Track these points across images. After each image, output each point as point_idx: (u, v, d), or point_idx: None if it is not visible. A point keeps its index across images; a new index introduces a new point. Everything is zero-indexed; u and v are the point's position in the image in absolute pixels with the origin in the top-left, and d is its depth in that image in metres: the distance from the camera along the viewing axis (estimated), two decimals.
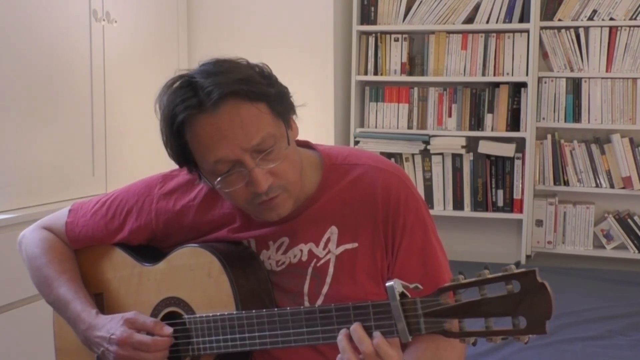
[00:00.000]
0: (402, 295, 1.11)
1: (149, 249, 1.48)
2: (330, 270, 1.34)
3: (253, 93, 1.23)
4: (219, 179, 1.26)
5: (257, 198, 1.26)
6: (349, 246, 1.34)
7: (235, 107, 1.22)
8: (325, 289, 1.33)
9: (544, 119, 3.76)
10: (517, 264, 1.02)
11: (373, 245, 1.33)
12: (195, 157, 1.28)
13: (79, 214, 1.52)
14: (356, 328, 1.15)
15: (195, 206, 1.42)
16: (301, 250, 1.36)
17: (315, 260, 1.35)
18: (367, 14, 3.87)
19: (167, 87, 1.27)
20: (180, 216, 1.43)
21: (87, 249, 1.53)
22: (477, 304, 1.03)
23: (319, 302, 1.33)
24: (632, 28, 3.62)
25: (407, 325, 1.10)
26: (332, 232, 1.35)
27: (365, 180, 1.35)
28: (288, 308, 1.24)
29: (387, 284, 1.11)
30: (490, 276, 1.02)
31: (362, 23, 3.87)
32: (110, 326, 1.36)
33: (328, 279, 1.33)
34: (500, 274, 1.02)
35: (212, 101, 1.20)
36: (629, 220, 3.70)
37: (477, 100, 3.80)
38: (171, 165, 1.43)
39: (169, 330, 1.33)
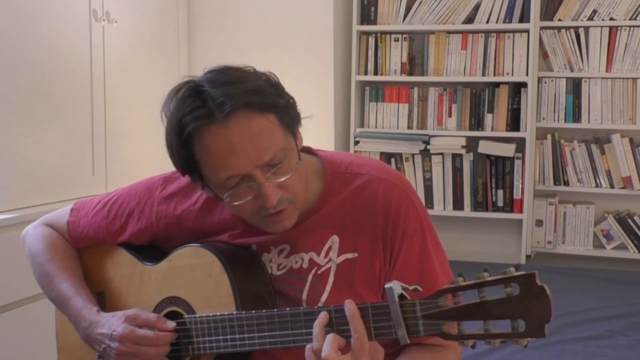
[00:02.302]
0: (401, 297, 1.11)
1: (152, 248, 1.49)
2: (331, 278, 1.33)
3: (264, 104, 1.21)
4: (227, 192, 1.26)
5: (264, 211, 1.26)
6: (349, 256, 1.34)
7: (246, 119, 1.20)
8: (324, 297, 1.33)
9: (544, 119, 3.76)
10: (517, 267, 1.02)
11: (372, 255, 1.33)
12: (202, 170, 1.26)
13: (81, 214, 1.53)
14: (320, 333, 1.15)
15: (196, 211, 1.41)
16: (302, 258, 1.36)
17: (316, 268, 1.35)
18: (367, 14, 3.87)
19: (173, 95, 1.25)
20: (181, 220, 1.43)
21: (90, 247, 1.53)
22: (476, 307, 1.02)
23: None
24: (632, 28, 3.62)
25: (406, 327, 1.10)
26: (333, 241, 1.35)
27: (367, 190, 1.34)
28: (287, 309, 1.24)
29: (386, 286, 1.11)
30: (489, 279, 1.02)
31: (362, 23, 3.87)
32: (111, 323, 1.36)
33: (328, 287, 1.33)
34: (499, 277, 1.01)
35: (225, 113, 1.18)
36: (629, 220, 3.70)
37: (477, 100, 3.80)
38: (171, 165, 1.43)
39: (171, 325, 1.34)
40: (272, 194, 1.23)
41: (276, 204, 1.24)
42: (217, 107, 1.19)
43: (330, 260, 1.34)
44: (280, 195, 1.24)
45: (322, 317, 1.18)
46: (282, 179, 1.24)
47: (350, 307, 1.15)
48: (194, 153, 1.24)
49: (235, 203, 1.26)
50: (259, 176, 1.22)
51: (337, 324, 1.17)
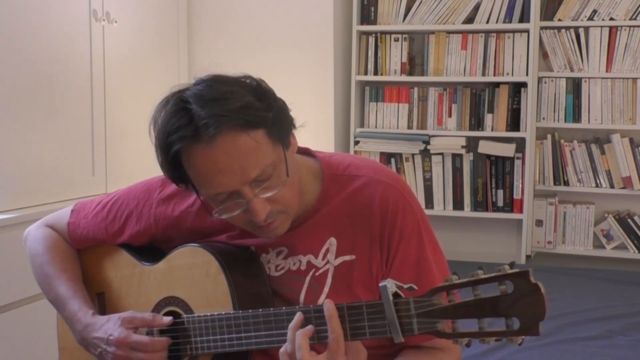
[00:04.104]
0: (396, 295, 1.11)
1: (151, 248, 1.49)
2: (329, 280, 1.34)
3: (250, 123, 1.20)
4: (217, 208, 1.26)
5: (255, 222, 1.26)
6: (347, 258, 1.34)
7: (232, 140, 1.19)
8: (321, 299, 1.32)
9: (544, 119, 3.76)
10: (512, 265, 1.02)
11: (370, 257, 1.33)
12: (193, 183, 1.27)
13: (81, 215, 1.53)
14: (294, 331, 1.17)
15: (194, 212, 1.42)
16: (300, 261, 1.36)
17: (314, 270, 1.35)
18: (367, 14, 3.87)
19: (161, 108, 1.25)
20: (179, 221, 1.43)
21: (90, 248, 1.54)
22: (471, 305, 1.02)
23: None
24: (632, 28, 3.62)
25: (400, 325, 1.10)
26: (331, 243, 1.35)
27: (364, 192, 1.34)
28: (284, 308, 1.24)
29: (380, 284, 1.11)
30: (483, 277, 1.02)
31: (362, 23, 3.87)
32: (107, 327, 1.36)
33: (326, 289, 1.33)
34: (493, 275, 1.01)
35: (210, 135, 1.17)
36: (629, 220, 3.70)
37: (477, 100, 3.80)
38: None
39: (167, 319, 1.34)
40: (260, 210, 1.23)
41: (265, 217, 1.24)
42: (202, 127, 1.18)
43: (328, 262, 1.34)
44: (270, 209, 1.24)
45: (297, 319, 1.19)
46: (271, 194, 1.23)
47: (328, 307, 1.16)
48: (183, 171, 1.25)
49: (225, 216, 1.26)
50: (247, 192, 1.22)
51: (317, 324, 1.17)
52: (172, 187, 1.44)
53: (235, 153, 1.19)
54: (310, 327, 1.17)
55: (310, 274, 1.34)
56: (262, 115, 1.21)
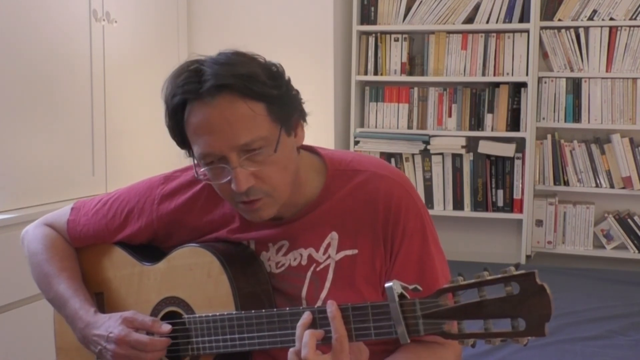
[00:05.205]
0: (401, 296, 1.11)
1: (150, 248, 1.49)
2: (330, 275, 1.34)
3: (251, 92, 1.22)
4: (204, 169, 1.28)
5: (237, 197, 1.26)
6: (349, 252, 1.34)
7: (229, 103, 1.22)
8: (323, 294, 1.33)
9: (544, 119, 3.76)
10: (517, 266, 1.02)
11: (373, 252, 1.33)
12: (188, 141, 1.29)
13: (81, 213, 1.53)
14: (305, 332, 1.17)
15: (196, 208, 1.42)
16: (301, 255, 1.36)
17: (315, 264, 1.35)
18: (367, 14, 3.87)
19: (179, 69, 1.28)
20: (181, 218, 1.43)
21: (89, 247, 1.54)
22: (476, 306, 1.02)
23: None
24: (632, 28, 3.62)
25: (406, 326, 1.09)
26: (333, 237, 1.35)
27: (367, 187, 1.35)
28: (287, 309, 1.24)
29: (386, 285, 1.11)
30: (489, 278, 1.02)
31: (362, 23, 3.87)
32: (108, 325, 1.36)
33: (327, 284, 1.33)
34: (499, 276, 1.01)
35: (205, 89, 1.21)
36: (629, 220, 3.70)
37: (477, 100, 3.80)
38: (171, 165, 1.44)
39: (167, 327, 1.34)
40: (242, 180, 1.23)
41: (246, 191, 1.24)
42: (203, 82, 1.22)
43: (329, 257, 1.34)
44: (253, 184, 1.24)
45: (305, 318, 1.19)
46: (256, 168, 1.24)
47: (331, 308, 1.16)
48: (182, 125, 1.27)
49: (212, 182, 1.28)
50: (233, 159, 1.23)
51: (321, 325, 1.18)
52: (174, 184, 1.45)
53: (229, 116, 1.21)
54: (320, 331, 1.17)
55: (311, 269, 1.35)
56: (266, 90, 1.23)
